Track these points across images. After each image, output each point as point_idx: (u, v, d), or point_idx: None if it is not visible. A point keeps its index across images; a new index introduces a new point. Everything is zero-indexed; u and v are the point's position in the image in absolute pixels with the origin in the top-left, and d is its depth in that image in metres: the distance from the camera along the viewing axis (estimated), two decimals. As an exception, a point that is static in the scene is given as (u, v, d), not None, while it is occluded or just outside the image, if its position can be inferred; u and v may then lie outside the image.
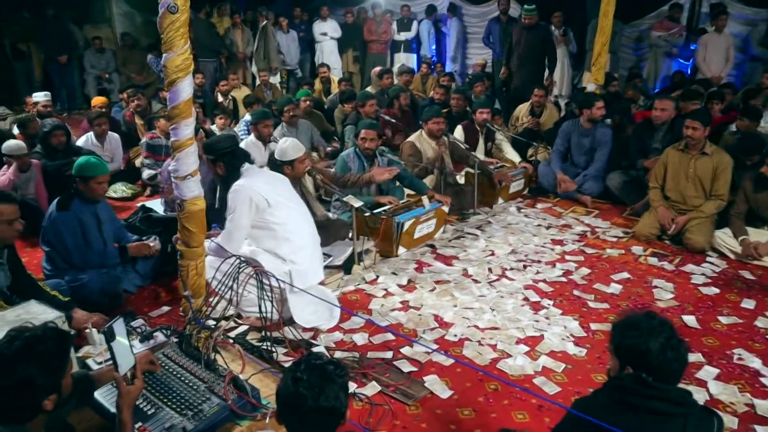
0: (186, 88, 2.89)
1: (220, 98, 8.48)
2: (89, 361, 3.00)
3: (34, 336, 1.89)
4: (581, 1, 9.91)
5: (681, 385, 1.99)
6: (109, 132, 6.54)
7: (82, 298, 3.65)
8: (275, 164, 4.37)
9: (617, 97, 7.61)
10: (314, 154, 6.30)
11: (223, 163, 3.60)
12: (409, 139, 5.76)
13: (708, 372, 3.22)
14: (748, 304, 3.97)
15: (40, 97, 7.17)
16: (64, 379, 1.95)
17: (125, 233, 4.27)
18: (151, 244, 4.15)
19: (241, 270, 3.05)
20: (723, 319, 3.78)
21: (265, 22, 10.36)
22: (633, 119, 6.75)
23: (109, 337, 2.21)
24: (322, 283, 3.90)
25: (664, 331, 1.93)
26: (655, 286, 4.22)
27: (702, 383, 3.13)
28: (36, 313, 2.77)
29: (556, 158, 6.18)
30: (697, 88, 6.90)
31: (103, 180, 3.90)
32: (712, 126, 5.19)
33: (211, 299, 3.15)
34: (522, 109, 7.46)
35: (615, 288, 4.18)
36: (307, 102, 7.32)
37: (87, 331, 3.17)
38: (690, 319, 3.76)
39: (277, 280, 3.25)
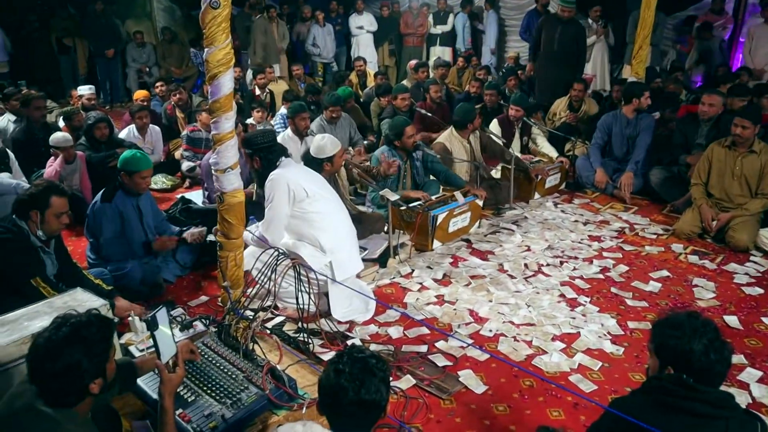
0: (227, 82, 2.94)
1: (258, 91, 8.57)
2: (131, 348, 3.07)
3: (79, 322, 1.95)
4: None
5: (722, 388, 1.96)
6: (151, 125, 6.67)
7: (123, 286, 3.76)
8: (310, 161, 4.34)
9: (660, 92, 7.46)
10: (350, 149, 6.31)
11: (260, 157, 3.65)
12: (438, 140, 5.70)
13: (751, 374, 3.15)
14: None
15: (84, 90, 7.34)
16: (108, 364, 2.01)
17: (168, 226, 4.35)
18: (195, 230, 4.23)
19: (279, 262, 3.09)
20: (767, 320, 3.69)
21: (258, 16, 10.30)
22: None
23: (153, 325, 2.27)
24: (358, 276, 3.93)
25: (707, 332, 1.90)
26: (696, 285, 4.14)
27: (744, 386, 3.07)
28: (82, 300, 2.85)
29: (596, 152, 6.08)
30: (746, 84, 6.71)
31: (147, 174, 4.00)
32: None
33: (249, 290, 3.20)
34: (560, 104, 7.36)
35: (654, 286, 4.11)
36: (352, 103, 7.36)
37: (129, 318, 3.25)
38: (732, 320, 3.68)
39: (316, 274, 3.28)
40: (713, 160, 4.91)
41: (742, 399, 2.93)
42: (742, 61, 8.91)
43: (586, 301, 3.91)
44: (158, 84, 8.31)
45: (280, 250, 3.15)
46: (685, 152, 5.63)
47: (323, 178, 3.95)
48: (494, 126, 6.22)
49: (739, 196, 4.80)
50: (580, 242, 4.85)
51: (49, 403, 1.89)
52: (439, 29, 11.33)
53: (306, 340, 3.30)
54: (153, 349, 2.36)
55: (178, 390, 2.47)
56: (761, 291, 4.06)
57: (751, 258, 4.55)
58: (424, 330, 3.53)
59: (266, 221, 3.58)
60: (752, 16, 9.23)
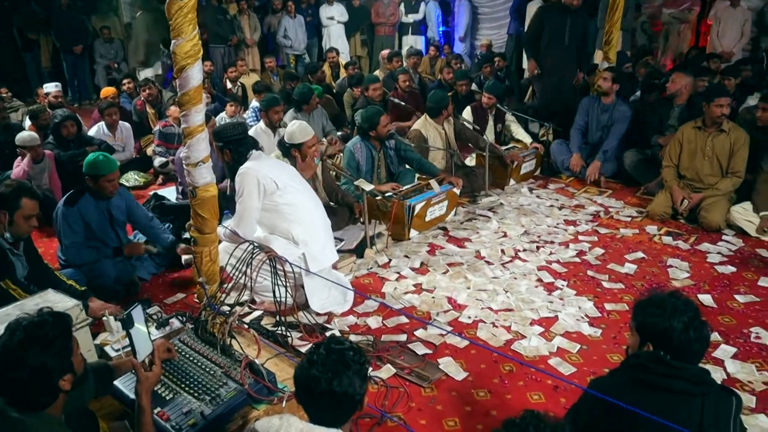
0: (196, 74, 2.89)
1: (229, 85, 8.47)
2: (107, 348, 3.02)
3: (31, 324, 1.90)
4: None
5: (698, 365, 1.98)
6: (120, 121, 6.56)
7: (97, 286, 3.68)
8: (284, 147, 4.34)
9: (631, 78, 7.52)
10: (324, 140, 6.28)
11: (230, 150, 3.60)
12: (414, 126, 5.69)
13: (725, 351, 3.20)
14: (766, 282, 3.93)
15: (51, 87, 7.20)
16: (73, 357, 1.96)
17: (159, 232, 4.25)
18: (151, 248, 4.13)
19: (254, 256, 3.06)
20: (740, 298, 3.75)
21: (140, 12, 9.94)
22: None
23: (128, 324, 2.23)
24: (335, 267, 3.91)
25: (687, 311, 1.93)
26: (670, 266, 4.19)
27: (719, 362, 3.11)
28: (54, 301, 2.79)
29: (576, 135, 6.09)
30: (707, 65, 6.83)
31: (113, 177, 3.88)
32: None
33: (225, 285, 3.17)
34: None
35: (629, 268, 4.16)
36: (325, 97, 7.33)
37: (104, 318, 3.20)
38: (706, 298, 3.73)
39: (291, 265, 3.25)
40: (684, 141, 4.96)
41: (717, 375, 2.98)
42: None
43: (563, 285, 3.94)
44: (125, 81, 8.19)
45: (255, 244, 3.12)
46: (658, 133, 5.69)
47: (295, 169, 3.91)
48: (467, 113, 6.21)
49: (709, 176, 4.86)
50: (555, 227, 4.88)
51: (22, 410, 1.84)
52: (410, 18, 11.30)
53: (284, 333, 3.28)
54: (129, 348, 2.33)
55: (156, 388, 2.43)
56: (733, 269, 4.13)
57: (723, 237, 4.62)
58: (403, 319, 3.53)
59: (237, 215, 3.54)
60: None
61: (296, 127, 4.27)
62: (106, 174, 3.82)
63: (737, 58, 8.16)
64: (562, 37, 6.38)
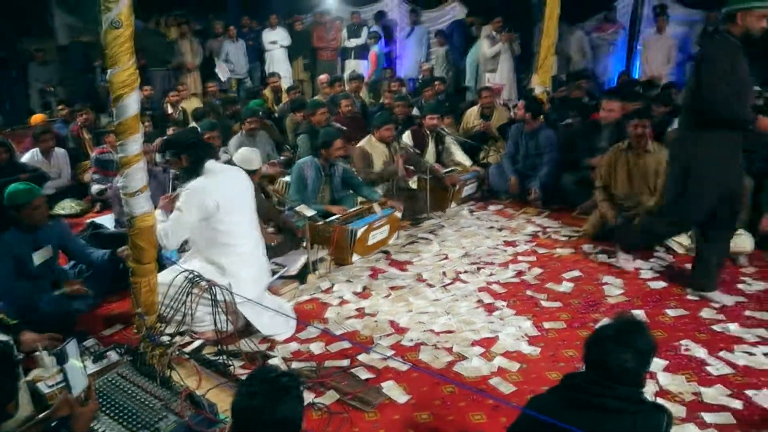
0: (132, 103, 2.87)
1: (170, 110, 8.36)
2: (40, 385, 2.92)
3: None
4: (527, 3, 10.05)
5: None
6: (56, 147, 6.39)
7: (32, 320, 3.54)
8: None
9: (565, 101, 7.80)
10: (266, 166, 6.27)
11: (188, 154, 3.52)
12: (358, 144, 5.79)
13: (656, 364, 3.30)
14: (694, 295, 4.10)
15: (-22, 113, 6.95)
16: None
17: (89, 254, 4.12)
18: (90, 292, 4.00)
19: (194, 285, 3.03)
20: (670, 312, 3.91)
21: None
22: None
23: (62, 359, 2.19)
24: (277, 294, 3.89)
25: (618, 335, 1.98)
26: (605, 283, 4.33)
27: (651, 375, 3.22)
28: (-19, 338, 2.70)
29: (508, 162, 6.26)
30: (638, 90, 7.17)
31: (38, 204, 3.68)
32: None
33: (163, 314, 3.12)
34: (472, 113, 7.55)
35: (566, 286, 4.28)
36: (263, 121, 7.30)
37: (37, 353, 3.09)
38: (638, 314, 3.87)
39: (230, 293, 3.23)
40: (613, 162, 5.14)
41: (649, 388, 3.08)
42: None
43: (503, 305, 4.02)
44: (60, 106, 8.00)
45: (195, 273, 3.09)
46: (589, 156, 5.89)
47: (248, 186, 3.81)
48: (407, 137, 6.31)
49: (639, 194, 5.05)
50: (495, 248, 4.99)
51: None
52: (353, 42, 11.41)
53: (226, 362, 3.24)
54: (63, 384, 2.27)
55: (92, 425, 2.37)
56: (664, 284, 4.29)
57: (655, 254, 4.81)
58: (346, 344, 3.54)
59: (170, 224, 3.44)
60: (647, 26, 9.84)
61: (254, 154, 4.32)
62: (30, 201, 3.64)
63: (665, 83, 8.57)
64: (749, 86, 3.87)
